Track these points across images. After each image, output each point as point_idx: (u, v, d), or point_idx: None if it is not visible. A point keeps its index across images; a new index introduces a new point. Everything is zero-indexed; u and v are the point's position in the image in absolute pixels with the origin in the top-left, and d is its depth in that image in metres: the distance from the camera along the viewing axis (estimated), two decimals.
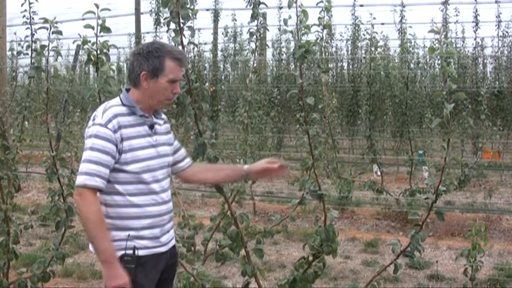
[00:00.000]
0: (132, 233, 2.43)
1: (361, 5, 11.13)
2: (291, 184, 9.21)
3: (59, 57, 4.00)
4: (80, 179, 2.37)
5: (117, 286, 2.34)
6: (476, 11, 10.56)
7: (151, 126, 2.53)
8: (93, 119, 2.44)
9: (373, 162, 8.38)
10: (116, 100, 2.52)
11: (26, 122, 4.95)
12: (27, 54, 4.05)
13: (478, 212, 7.47)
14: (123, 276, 2.35)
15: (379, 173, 8.40)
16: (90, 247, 2.55)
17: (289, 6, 2.92)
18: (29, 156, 10.15)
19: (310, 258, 3.24)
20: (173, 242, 2.66)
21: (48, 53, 3.75)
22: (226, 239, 3.19)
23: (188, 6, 2.74)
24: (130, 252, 2.41)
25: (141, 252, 2.43)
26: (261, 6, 3.50)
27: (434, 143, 10.10)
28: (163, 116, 2.66)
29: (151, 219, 2.47)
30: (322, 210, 3.18)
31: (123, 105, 2.48)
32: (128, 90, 2.54)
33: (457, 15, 10.99)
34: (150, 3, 11.65)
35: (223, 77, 12.51)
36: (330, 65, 11.96)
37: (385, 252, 5.89)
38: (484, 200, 7.74)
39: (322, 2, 3.22)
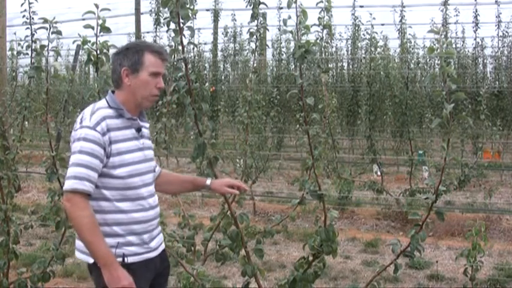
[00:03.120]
0: (120, 240, 2.38)
1: (361, 6, 11.13)
2: (291, 184, 9.22)
3: (59, 57, 3.99)
4: (68, 184, 2.30)
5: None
6: (476, 11, 10.57)
7: (139, 129, 2.49)
8: (81, 122, 2.38)
9: (373, 162, 8.38)
10: (103, 102, 2.47)
11: (26, 122, 4.96)
12: (27, 54, 4.04)
13: (478, 212, 7.47)
14: (126, 277, 2.31)
15: (379, 173, 8.40)
16: (77, 254, 2.51)
17: (289, 7, 2.92)
18: (29, 156, 10.16)
19: (310, 258, 3.24)
20: (163, 247, 2.63)
21: (48, 53, 3.75)
22: (226, 239, 3.19)
23: (188, 6, 2.73)
24: (120, 260, 2.37)
25: (130, 259, 2.39)
26: (261, 6, 3.50)
27: (434, 143, 10.11)
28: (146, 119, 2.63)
29: (139, 225, 2.43)
30: (322, 210, 3.18)
31: (110, 107, 2.43)
32: (113, 92, 2.50)
33: (457, 15, 11.01)
34: (150, 3, 11.68)
35: (223, 77, 12.50)
36: (330, 65, 11.97)
37: (385, 252, 5.90)
38: (484, 200, 7.74)
39: (322, 2, 3.22)
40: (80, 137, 2.34)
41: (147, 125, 2.59)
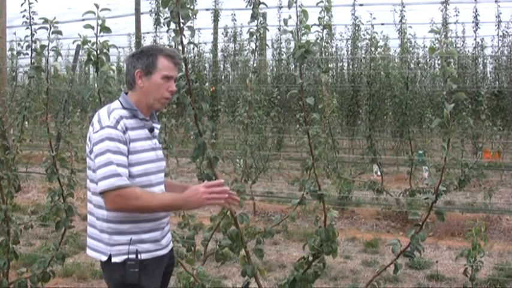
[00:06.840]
0: (133, 237, 2.42)
1: (361, 5, 11.12)
2: (291, 184, 9.21)
3: (59, 57, 3.98)
4: (110, 182, 2.32)
5: (205, 196, 2.38)
6: (476, 10, 10.55)
7: (151, 130, 2.56)
8: (99, 123, 2.42)
9: (373, 162, 8.37)
10: (117, 103, 2.52)
11: (26, 122, 4.95)
12: (27, 54, 4.05)
13: (478, 212, 7.48)
14: (195, 188, 2.41)
15: (379, 173, 8.39)
16: (89, 252, 2.54)
17: (289, 6, 2.92)
18: (29, 156, 10.15)
19: (310, 258, 3.24)
20: (171, 245, 2.68)
21: (48, 53, 3.75)
22: (226, 239, 3.19)
23: (188, 6, 2.73)
24: (133, 256, 2.40)
25: (143, 256, 2.43)
26: (261, 6, 3.50)
27: (434, 143, 10.10)
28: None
29: (151, 222, 2.48)
30: (322, 210, 3.18)
31: (124, 108, 2.49)
32: (126, 94, 2.56)
33: (457, 15, 10.99)
34: (150, 3, 11.64)
35: (223, 77, 12.51)
36: (330, 65, 11.96)
37: (385, 252, 5.89)
38: (484, 200, 7.74)
39: (322, 1, 3.21)
40: (104, 138, 2.38)
41: (158, 126, 2.66)
